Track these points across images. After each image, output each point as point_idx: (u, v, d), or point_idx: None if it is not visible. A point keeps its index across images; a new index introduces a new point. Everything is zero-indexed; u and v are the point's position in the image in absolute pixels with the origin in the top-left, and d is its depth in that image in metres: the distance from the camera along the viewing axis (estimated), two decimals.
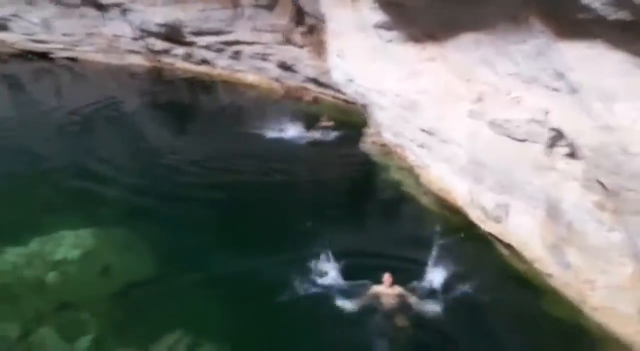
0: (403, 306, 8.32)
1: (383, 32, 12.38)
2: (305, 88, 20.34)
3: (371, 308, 8.26)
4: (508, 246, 9.73)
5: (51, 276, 8.46)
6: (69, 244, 9.11)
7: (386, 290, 8.49)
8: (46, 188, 11.69)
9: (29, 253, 8.85)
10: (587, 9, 6.64)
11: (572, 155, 8.48)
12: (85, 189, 11.68)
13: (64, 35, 25.54)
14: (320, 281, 8.77)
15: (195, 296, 8.33)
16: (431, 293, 8.64)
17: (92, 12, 24.52)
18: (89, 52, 25.65)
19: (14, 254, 8.81)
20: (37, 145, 14.37)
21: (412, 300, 8.43)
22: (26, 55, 26.32)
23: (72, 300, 8.05)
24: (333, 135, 15.97)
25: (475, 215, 10.42)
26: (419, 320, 8.10)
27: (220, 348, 7.30)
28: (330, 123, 16.55)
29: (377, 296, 8.46)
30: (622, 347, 7.66)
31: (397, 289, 8.50)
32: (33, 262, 8.71)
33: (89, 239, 9.26)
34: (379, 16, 12.03)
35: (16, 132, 15.49)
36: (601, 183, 7.67)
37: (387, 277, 8.53)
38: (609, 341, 7.81)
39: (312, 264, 9.04)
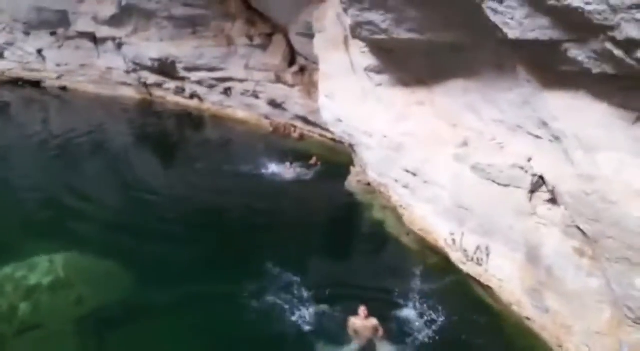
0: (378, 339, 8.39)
1: (373, 76, 12.64)
2: (294, 126, 20.54)
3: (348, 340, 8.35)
4: (487, 288, 9.75)
5: (22, 302, 8.25)
6: (42, 270, 8.93)
7: (362, 322, 8.53)
8: (23, 214, 11.57)
9: (1, 277, 8.63)
10: (572, 61, 6.85)
11: (553, 201, 8.60)
12: (62, 217, 11.55)
13: (58, 65, 25.77)
14: (299, 312, 8.79)
15: (168, 323, 8.17)
16: (406, 329, 8.65)
17: (87, 44, 24.85)
18: (81, 82, 25.82)
19: None
20: (19, 172, 14.27)
21: (387, 333, 8.46)
22: (18, 83, 26.42)
23: (42, 326, 7.83)
24: (318, 173, 16.05)
25: (455, 257, 10.44)
26: None
27: None
28: (316, 163, 16.69)
29: (354, 329, 8.51)
30: None
31: (373, 321, 8.53)
32: (4, 286, 8.50)
33: (62, 266, 9.08)
34: (370, 60, 12.31)
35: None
36: (581, 230, 7.76)
37: (362, 309, 8.59)
38: None
39: (291, 296, 9.10)
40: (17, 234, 10.40)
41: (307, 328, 8.55)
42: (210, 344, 7.98)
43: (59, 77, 26.10)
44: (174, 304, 8.66)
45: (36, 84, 26.40)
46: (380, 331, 8.48)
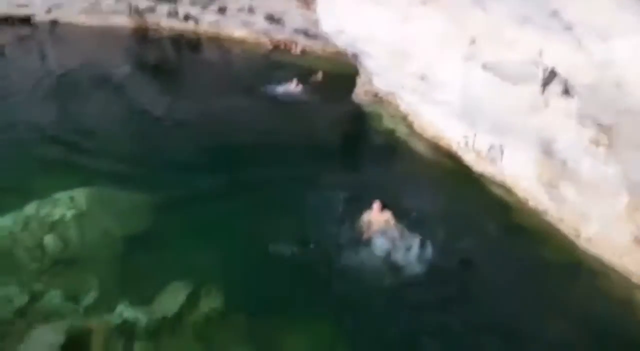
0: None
1: None
2: (294, 41, 19.94)
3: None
4: (502, 186, 9.84)
5: (49, 238, 8.46)
6: (64, 206, 9.05)
7: (376, 216, 8.86)
8: (37, 152, 11.52)
9: (24, 216, 8.79)
10: None
11: (566, 93, 8.43)
12: (74, 152, 11.48)
13: None
14: (317, 213, 9.09)
15: (196, 248, 8.38)
16: (421, 227, 8.79)
17: None
18: (71, 15, 24.93)
19: (9, 218, 8.77)
20: (23, 112, 14.13)
21: (400, 226, 8.76)
22: (7, 21, 25.56)
23: (72, 260, 8.09)
24: (324, 88, 15.77)
25: (469, 158, 10.47)
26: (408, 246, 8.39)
27: (226, 294, 7.39)
28: (320, 78, 16.35)
29: (368, 222, 8.84)
30: (618, 277, 7.83)
31: (387, 215, 8.87)
32: (30, 225, 8.68)
33: (83, 199, 9.17)
34: None
35: (2, 99, 15.19)
36: (596, 119, 7.66)
37: (376, 204, 8.91)
38: (605, 272, 7.99)
39: (310, 200, 9.37)
40: (34, 173, 10.42)
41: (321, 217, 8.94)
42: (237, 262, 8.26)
43: (48, 11, 25.18)
44: (200, 228, 8.84)
45: (26, 21, 25.54)
46: (392, 223, 8.77)
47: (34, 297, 7.33)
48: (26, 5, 25.28)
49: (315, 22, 16.32)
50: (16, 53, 22.48)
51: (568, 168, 8.35)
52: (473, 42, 10.20)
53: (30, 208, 8.95)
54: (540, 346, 6.88)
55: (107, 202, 9.33)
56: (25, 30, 24.50)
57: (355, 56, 14.17)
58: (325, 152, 11.87)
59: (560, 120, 8.49)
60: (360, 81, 14.73)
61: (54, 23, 25.21)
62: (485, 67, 9.75)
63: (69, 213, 8.82)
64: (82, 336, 6.76)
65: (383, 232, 8.67)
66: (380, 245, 8.48)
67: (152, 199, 9.52)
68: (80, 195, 9.27)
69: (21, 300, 7.24)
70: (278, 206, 9.47)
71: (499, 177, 9.86)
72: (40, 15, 25.38)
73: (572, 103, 8.25)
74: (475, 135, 10.24)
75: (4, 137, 12.40)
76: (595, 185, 7.98)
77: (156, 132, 12.74)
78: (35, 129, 12.85)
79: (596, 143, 7.80)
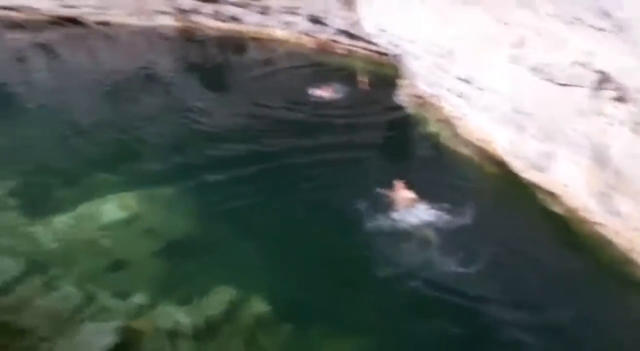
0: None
1: None
2: (337, 41, 19.91)
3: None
4: (551, 195, 9.53)
5: (101, 238, 8.80)
6: (114, 206, 9.40)
7: (400, 193, 9.57)
8: (89, 151, 11.91)
9: (78, 216, 9.17)
10: None
11: (620, 98, 8.13)
12: (126, 151, 11.89)
13: None
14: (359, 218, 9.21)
15: (241, 250, 8.56)
16: (467, 235, 8.75)
17: None
18: (119, 15, 25.61)
19: (65, 217, 9.16)
20: (75, 111, 14.61)
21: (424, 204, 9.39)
22: (57, 22, 26.48)
23: (123, 260, 8.38)
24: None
25: (516, 165, 10.19)
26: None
27: (269, 300, 7.52)
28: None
29: (393, 199, 9.56)
30: None
31: (410, 194, 9.53)
32: (83, 224, 9.05)
33: (133, 200, 9.51)
34: None
35: (56, 98, 15.73)
36: None
37: (398, 183, 9.67)
38: None
39: (353, 204, 9.49)
40: (85, 173, 10.79)
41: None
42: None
43: (97, 13, 25.97)
44: (245, 232, 9.04)
45: (75, 21, 26.39)
46: (417, 203, 9.40)
47: (88, 296, 7.63)
48: (76, 7, 26.13)
49: (357, 22, 16.27)
50: (66, 52, 23.28)
51: (623, 178, 8.00)
52: (520, 43, 9.97)
53: (84, 208, 9.32)
54: None
55: (156, 203, 9.61)
56: (75, 31, 25.35)
57: (397, 57, 14.05)
58: (370, 158, 11.84)
59: (613, 126, 8.20)
60: (403, 83, 14.58)
61: (103, 24, 25.98)
62: (533, 69, 9.52)
63: (120, 215, 9.15)
64: (131, 336, 7.01)
65: (408, 210, 9.30)
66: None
67: (200, 202, 9.75)
68: (130, 196, 9.59)
69: (76, 298, 7.56)
70: (324, 211, 9.58)
71: (548, 185, 9.55)
72: (89, 15, 26.21)
73: (626, 109, 7.95)
74: (522, 141, 9.97)
75: (55, 135, 12.89)
76: None
77: (200, 135, 12.91)
78: (86, 127, 13.29)
79: None
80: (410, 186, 9.72)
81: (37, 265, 8.26)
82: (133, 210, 9.40)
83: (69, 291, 7.66)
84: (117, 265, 8.29)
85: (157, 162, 11.32)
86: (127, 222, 9.11)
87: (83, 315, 7.32)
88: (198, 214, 9.44)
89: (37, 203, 9.77)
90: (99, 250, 8.61)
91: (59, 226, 9.02)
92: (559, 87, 9.09)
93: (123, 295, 7.69)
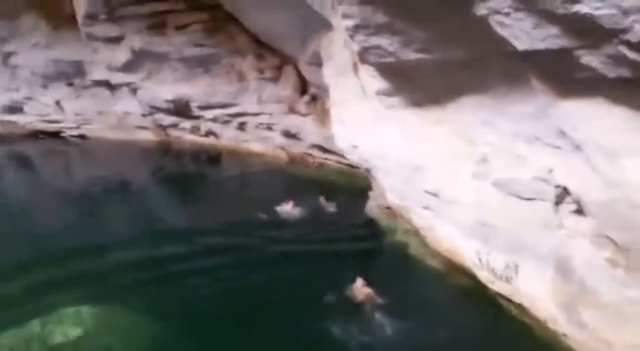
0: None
1: (385, 99, 12.52)
2: (310, 155, 20.55)
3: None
4: (519, 306, 9.42)
5: None
6: (70, 323, 8.86)
7: (359, 289, 10.12)
8: (50, 267, 11.48)
9: (27, 334, 8.58)
10: (586, 67, 6.69)
11: (579, 212, 8.33)
12: (89, 267, 11.47)
13: (76, 114, 26.33)
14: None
15: None
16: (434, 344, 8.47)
17: (103, 91, 25.41)
18: (99, 129, 26.31)
19: (13, 336, 8.54)
20: (42, 224, 14.41)
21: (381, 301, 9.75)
22: (38, 135, 27.02)
23: None
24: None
25: (483, 276, 10.16)
26: None
27: None
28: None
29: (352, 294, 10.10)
30: None
31: (367, 290, 10.05)
32: (31, 344, 8.42)
33: (90, 317, 9.02)
34: (380, 83, 12.19)
35: (23, 211, 15.58)
36: (611, 239, 7.47)
37: (359, 280, 10.27)
38: None
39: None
40: (44, 286, 10.36)
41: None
42: None
43: (77, 126, 26.67)
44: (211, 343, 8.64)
45: (55, 135, 26.98)
46: (372, 298, 9.83)
47: None
48: (58, 121, 26.83)
49: (330, 137, 16.89)
50: (43, 165, 23.47)
51: (587, 290, 7.97)
52: (483, 160, 10.35)
53: (34, 325, 8.76)
54: None
55: (112, 320, 9.12)
56: (55, 144, 25.78)
57: (368, 171, 14.43)
58: (337, 267, 11.66)
59: (575, 239, 8.31)
60: (373, 195, 14.85)
61: (82, 137, 26.56)
62: (496, 184, 9.80)
63: (73, 333, 8.60)
64: None
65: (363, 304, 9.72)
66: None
67: (158, 317, 9.28)
68: (87, 312, 9.11)
69: None
70: (287, 329, 9.20)
71: (515, 296, 9.47)
72: (69, 130, 26.84)
73: (586, 222, 8.11)
74: (489, 252, 10.02)
75: (18, 248, 12.50)
76: (617, 309, 7.55)
77: (171, 248, 12.66)
78: (50, 242, 12.96)
79: (613, 264, 7.53)
80: (369, 283, 10.21)
81: None
82: (89, 328, 8.86)
83: None
84: None
85: (121, 277, 10.93)
86: (81, 342, 8.51)
87: None
88: (158, 333, 8.93)
89: None
90: None
91: (4, 345, 8.37)
92: (521, 200, 9.30)
93: None
